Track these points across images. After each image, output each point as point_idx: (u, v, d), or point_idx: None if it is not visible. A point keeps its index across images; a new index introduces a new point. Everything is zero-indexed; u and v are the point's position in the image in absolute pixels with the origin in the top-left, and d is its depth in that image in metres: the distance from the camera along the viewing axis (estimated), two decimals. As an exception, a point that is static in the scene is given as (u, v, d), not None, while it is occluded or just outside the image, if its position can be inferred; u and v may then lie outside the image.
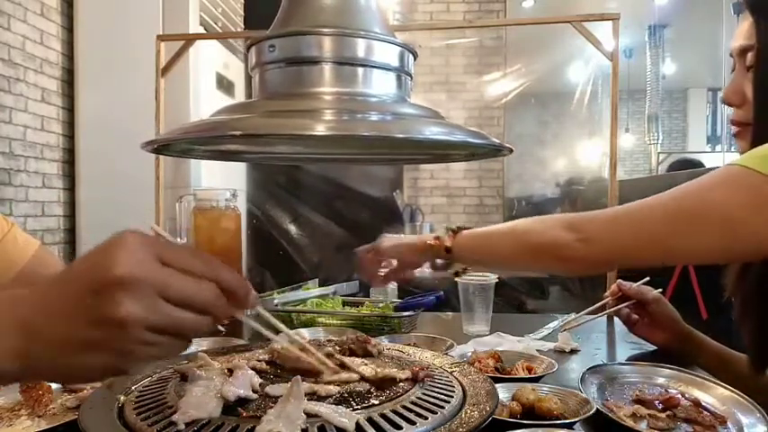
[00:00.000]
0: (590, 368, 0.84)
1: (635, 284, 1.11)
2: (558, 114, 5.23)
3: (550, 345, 1.08)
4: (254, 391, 0.59)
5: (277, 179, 3.13)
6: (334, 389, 0.59)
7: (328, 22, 0.67)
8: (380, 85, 0.68)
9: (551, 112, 5.28)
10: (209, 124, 0.63)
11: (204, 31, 2.41)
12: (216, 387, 0.58)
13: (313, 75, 0.66)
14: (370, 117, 0.63)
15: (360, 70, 0.66)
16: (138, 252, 0.43)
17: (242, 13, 2.91)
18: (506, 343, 1.07)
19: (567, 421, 0.67)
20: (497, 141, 0.69)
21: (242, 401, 0.57)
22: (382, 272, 0.99)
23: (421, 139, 0.64)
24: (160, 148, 0.74)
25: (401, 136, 0.63)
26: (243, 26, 2.88)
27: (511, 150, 0.73)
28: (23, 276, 1.09)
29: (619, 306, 1.12)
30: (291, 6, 0.71)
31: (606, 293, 1.16)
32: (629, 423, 0.67)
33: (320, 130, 0.59)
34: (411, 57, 0.72)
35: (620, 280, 1.13)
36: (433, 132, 0.63)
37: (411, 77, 0.73)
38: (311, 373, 0.63)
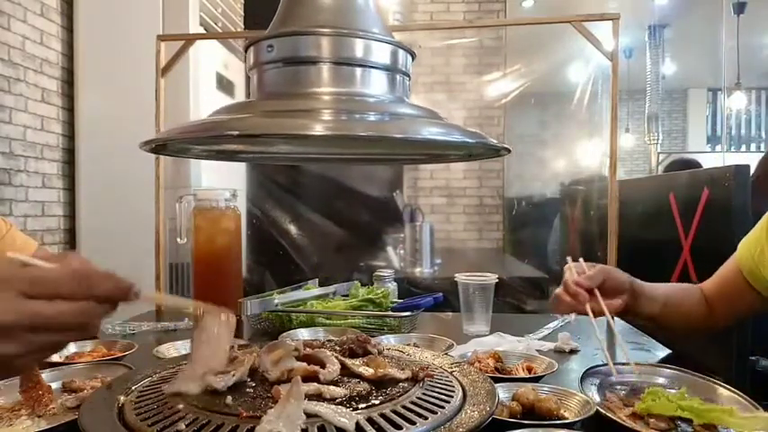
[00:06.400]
0: (590, 368, 0.84)
1: (582, 272, 0.96)
2: (558, 114, 5.22)
3: (550, 345, 1.08)
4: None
5: (277, 179, 3.13)
6: (340, 391, 0.59)
7: (326, 22, 0.67)
8: (378, 86, 0.68)
9: (551, 112, 5.27)
10: (207, 124, 0.63)
11: (204, 31, 2.41)
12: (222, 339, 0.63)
13: (311, 75, 0.66)
14: (369, 117, 0.63)
15: (358, 70, 0.66)
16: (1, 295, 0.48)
17: (242, 13, 2.91)
18: (506, 343, 1.07)
19: (567, 421, 0.67)
20: (495, 142, 0.69)
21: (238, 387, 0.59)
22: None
23: (419, 139, 0.64)
24: (158, 147, 0.74)
25: (399, 136, 0.63)
26: (243, 26, 2.88)
27: (508, 151, 0.72)
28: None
29: (603, 303, 0.94)
30: (289, 6, 0.71)
31: (561, 298, 0.95)
32: (629, 423, 0.67)
33: (318, 130, 0.59)
34: (409, 57, 0.72)
35: (573, 278, 0.94)
36: (430, 133, 0.63)
37: (409, 78, 0.72)
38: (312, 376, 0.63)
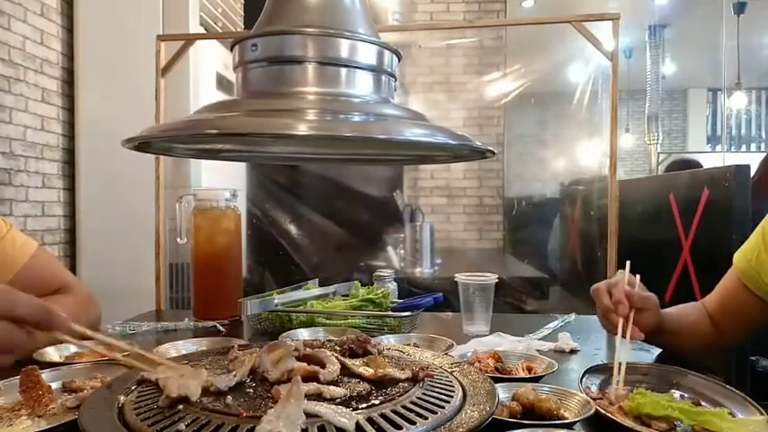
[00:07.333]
0: (590, 368, 0.84)
1: (633, 285, 0.96)
2: (558, 114, 5.22)
3: (550, 345, 1.08)
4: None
5: (277, 179, 3.13)
6: (340, 391, 0.59)
7: (312, 21, 0.67)
8: (364, 86, 0.67)
9: (551, 112, 5.27)
10: (188, 122, 0.62)
11: (204, 31, 2.41)
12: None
13: (296, 74, 0.65)
14: (353, 118, 0.63)
15: (343, 71, 0.66)
16: None
17: (242, 13, 2.91)
18: (506, 343, 1.07)
19: (567, 421, 0.67)
20: (479, 144, 0.69)
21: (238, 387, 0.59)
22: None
23: (401, 140, 0.64)
24: (141, 145, 0.73)
25: (382, 137, 0.62)
26: (243, 26, 2.88)
27: (493, 153, 0.72)
28: (23, 277, 1.09)
29: (630, 327, 0.92)
30: (275, 5, 0.70)
31: (604, 302, 0.95)
32: (629, 423, 0.67)
33: (302, 129, 0.58)
34: (395, 58, 0.71)
35: (626, 287, 0.94)
36: (414, 134, 0.62)
37: (395, 78, 0.72)
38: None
